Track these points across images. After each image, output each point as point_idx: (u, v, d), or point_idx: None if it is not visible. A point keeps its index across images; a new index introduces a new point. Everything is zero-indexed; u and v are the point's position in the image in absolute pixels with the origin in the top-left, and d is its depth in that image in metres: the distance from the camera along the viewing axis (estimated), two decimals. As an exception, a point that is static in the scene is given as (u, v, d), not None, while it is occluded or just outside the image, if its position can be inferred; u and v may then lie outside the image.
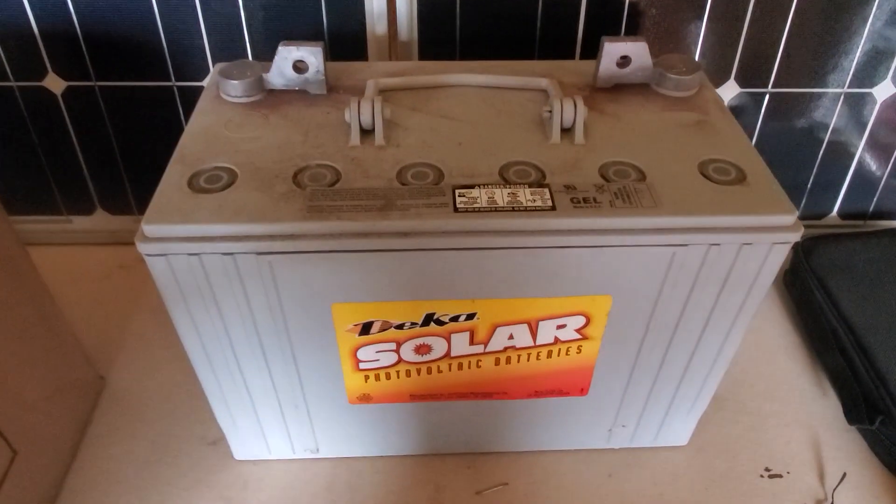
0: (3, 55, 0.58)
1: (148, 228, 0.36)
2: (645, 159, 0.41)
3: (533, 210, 0.37)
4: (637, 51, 0.45)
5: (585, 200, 0.38)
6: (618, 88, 0.47)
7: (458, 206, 0.37)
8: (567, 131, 0.42)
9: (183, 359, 0.59)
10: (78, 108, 0.61)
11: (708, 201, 0.38)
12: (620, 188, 0.38)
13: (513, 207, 0.37)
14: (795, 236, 0.38)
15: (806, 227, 0.71)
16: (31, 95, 0.60)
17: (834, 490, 0.51)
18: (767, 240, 0.38)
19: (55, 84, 0.60)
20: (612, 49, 0.45)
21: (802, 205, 0.69)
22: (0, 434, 0.43)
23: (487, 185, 0.38)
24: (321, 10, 0.56)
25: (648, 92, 0.47)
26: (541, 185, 0.38)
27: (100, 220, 0.69)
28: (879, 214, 0.70)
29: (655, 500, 0.51)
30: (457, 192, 0.38)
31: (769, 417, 0.56)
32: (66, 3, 0.55)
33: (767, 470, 0.53)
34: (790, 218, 0.37)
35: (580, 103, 0.42)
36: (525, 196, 0.38)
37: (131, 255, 0.69)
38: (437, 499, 0.50)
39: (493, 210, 0.37)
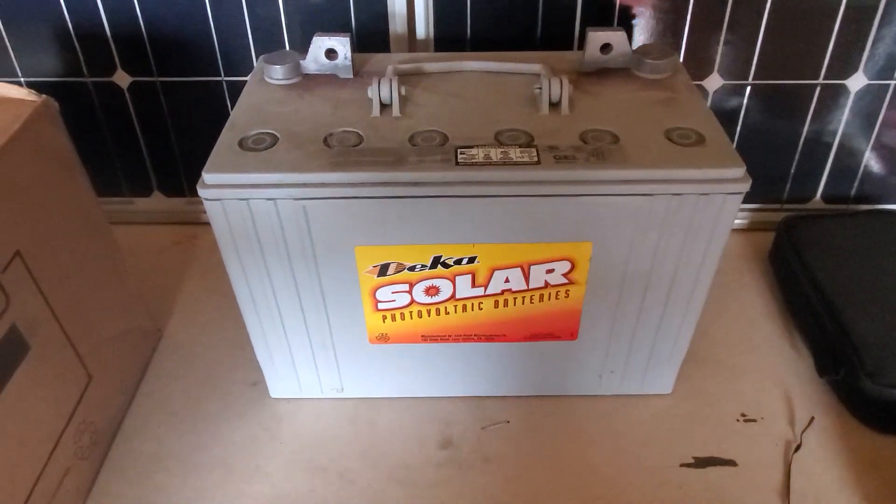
0: (80, 54, 0.67)
1: (207, 177, 0.44)
2: (619, 127, 0.48)
3: (521, 163, 0.44)
4: (617, 39, 0.53)
5: (566, 157, 0.45)
6: (602, 72, 0.54)
7: (458, 160, 0.45)
8: (555, 105, 0.50)
9: (228, 316, 0.68)
10: (141, 100, 0.71)
11: (670, 158, 0.45)
12: (596, 148, 0.46)
13: (504, 162, 0.45)
14: (745, 187, 0.45)
15: (791, 210, 0.77)
16: (101, 90, 0.70)
17: (802, 432, 0.57)
18: (721, 190, 0.45)
19: (123, 79, 0.69)
20: (595, 38, 0.53)
21: (787, 190, 0.76)
22: (80, 359, 0.52)
23: (484, 145, 0.46)
24: (350, 12, 0.65)
25: (629, 75, 0.54)
26: (529, 146, 0.46)
27: (157, 202, 0.78)
28: (862, 198, 0.76)
29: (642, 437, 0.57)
30: (458, 150, 0.46)
31: (747, 372, 0.62)
32: (134, 8, 0.65)
33: (743, 415, 0.59)
34: (740, 171, 0.44)
35: (565, 81, 0.49)
36: (515, 153, 0.45)
37: (184, 233, 0.78)
38: (447, 433, 0.57)
39: (489, 164, 0.44)
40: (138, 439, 0.57)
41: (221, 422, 0.58)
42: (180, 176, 0.76)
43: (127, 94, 0.70)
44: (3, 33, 0.66)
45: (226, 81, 0.69)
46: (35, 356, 0.46)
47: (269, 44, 0.67)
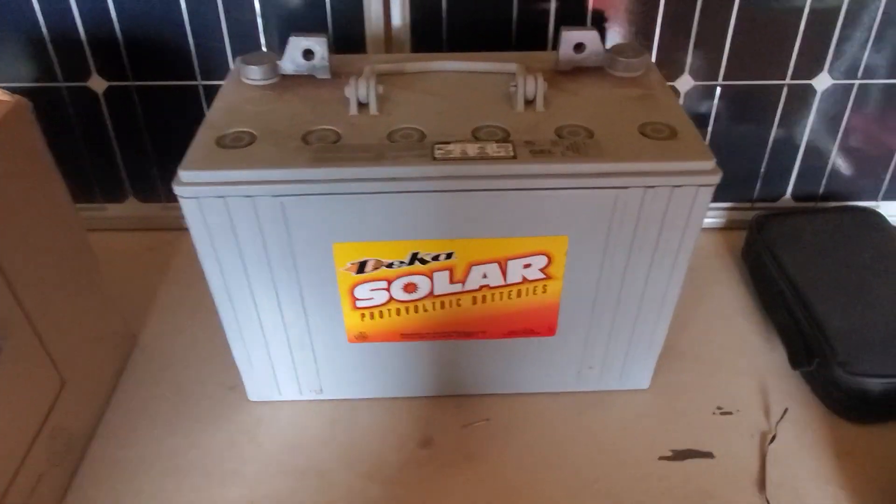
0: (55, 59, 0.67)
1: (184, 174, 0.44)
2: (594, 123, 0.49)
3: (497, 158, 0.45)
4: (590, 38, 0.54)
5: (542, 151, 0.46)
6: (577, 71, 0.55)
7: (436, 156, 0.45)
8: (530, 103, 0.51)
9: (203, 322, 0.67)
10: (116, 105, 0.70)
11: (644, 152, 0.46)
12: (572, 143, 0.47)
13: (481, 156, 0.45)
14: (715, 179, 0.45)
15: (762, 209, 0.78)
16: (76, 95, 0.69)
17: (777, 423, 0.58)
18: (693, 182, 0.45)
19: (98, 84, 0.69)
20: (569, 37, 0.54)
21: (758, 189, 0.77)
22: (53, 363, 0.51)
23: (461, 141, 0.47)
24: (326, 16, 0.65)
25: (603, 74, 0.55)
26: (505, 141, 0.47)
27: (131, 208, 0.77)
28: (830, 196, 0.78)
29: (620, 434, 0.57)
30: (436, 146, 0.46)
31: (723, 367, 0.63)
32: (109, 12, 0.64)
33: (719, 408, 0.59)
34: (710, 164, 0.45)
35: (540, 78, 0.50)
36: (492, 149, 0.46)
37: (158, 239, 0.77)
38: (427, 431, 0.57)
39: (465, 159, 0.45)
40: (113, 445, 0.56)
41: (198, 426, 0.58)
42: (155, 181, 0.76)
43: (102, 100, 0.70)
44: (-26, 38, 0.65)
45: (202, 85, 0.69)
46: (6, 359, 0.46)
47: (245, 47, 0.67)
